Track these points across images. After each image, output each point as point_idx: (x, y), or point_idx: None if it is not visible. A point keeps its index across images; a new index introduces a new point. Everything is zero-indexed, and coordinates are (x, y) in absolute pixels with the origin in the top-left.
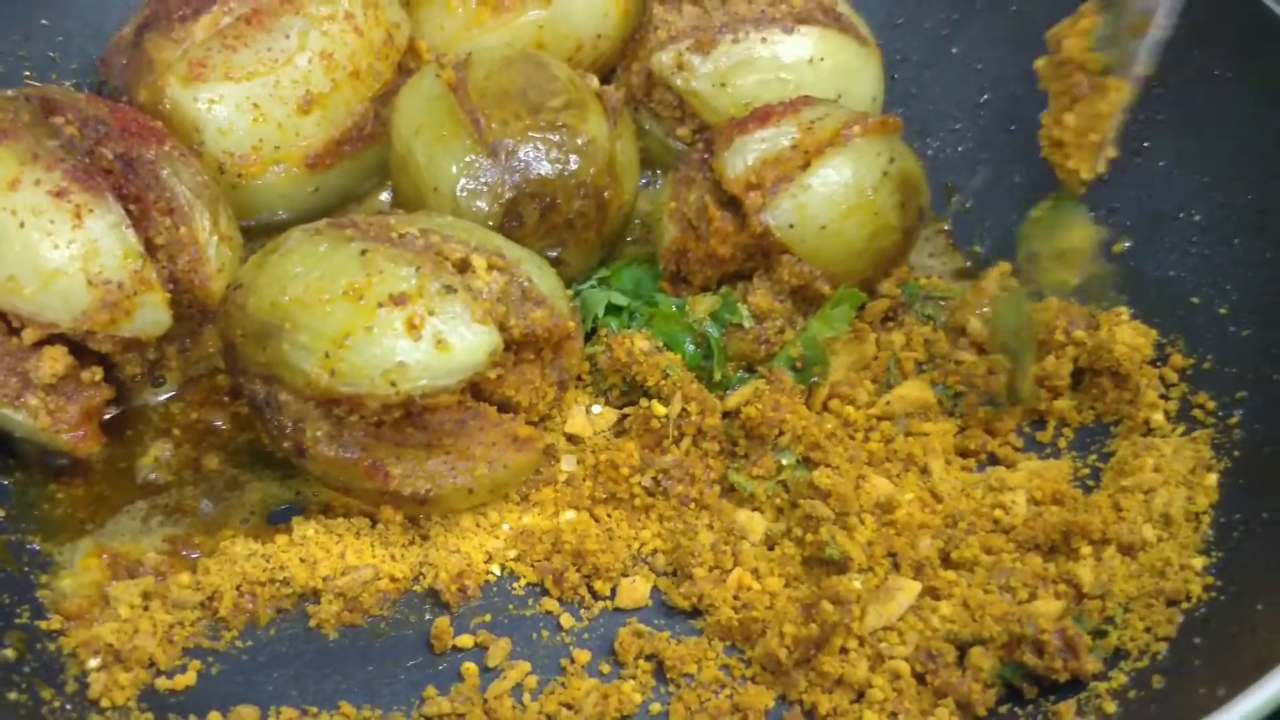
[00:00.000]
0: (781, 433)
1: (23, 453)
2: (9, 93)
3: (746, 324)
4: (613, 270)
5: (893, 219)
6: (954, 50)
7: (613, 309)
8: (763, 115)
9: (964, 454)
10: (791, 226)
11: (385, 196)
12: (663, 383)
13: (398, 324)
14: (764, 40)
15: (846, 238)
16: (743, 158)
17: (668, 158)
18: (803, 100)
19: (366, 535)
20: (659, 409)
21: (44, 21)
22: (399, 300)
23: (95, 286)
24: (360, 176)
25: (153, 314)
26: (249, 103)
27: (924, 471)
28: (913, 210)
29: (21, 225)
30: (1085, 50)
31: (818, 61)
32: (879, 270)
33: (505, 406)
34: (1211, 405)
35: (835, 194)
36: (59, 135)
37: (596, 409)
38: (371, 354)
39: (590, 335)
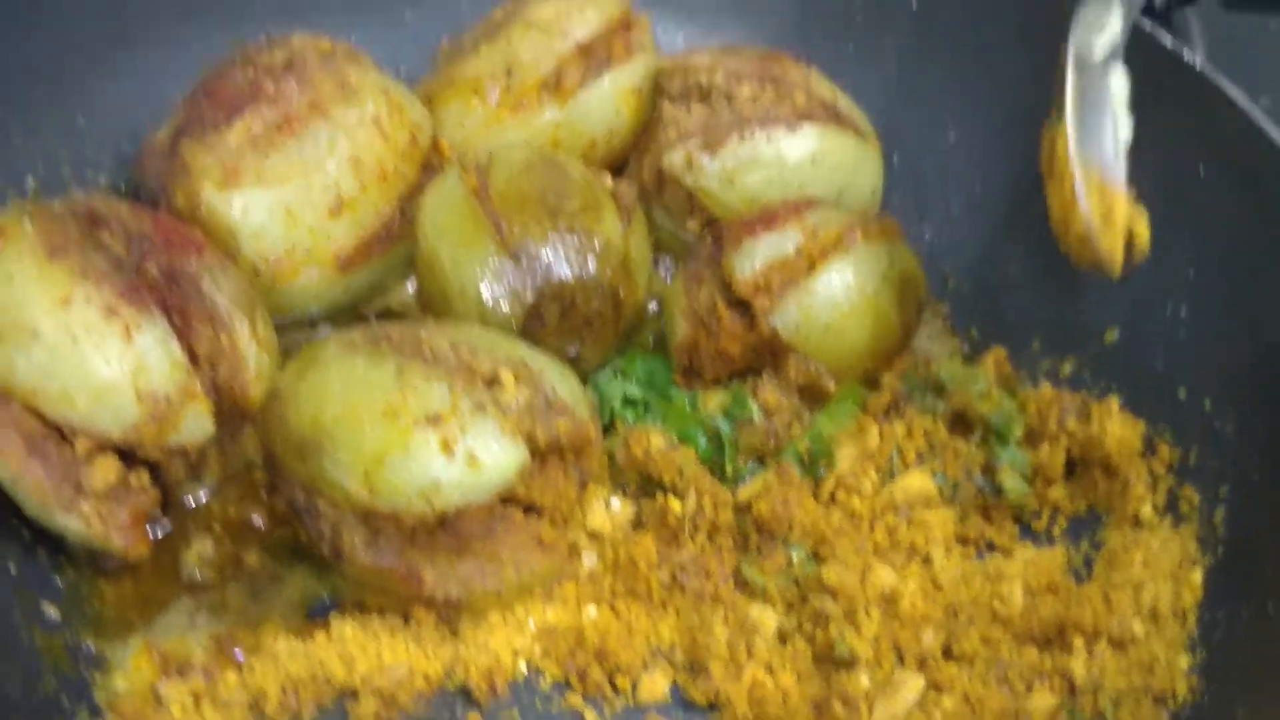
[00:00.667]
0: (791, 528)
1: (73, 551)
2: (56, 207)
3: (756, 418)
4: (627, 360)
5: (893, 317)
6: (950, 137)
7: (628, 401)
8: (768, 219)
9: (963, 541)
10: (797, 328)
11: (411, 288)
12: (678, 479)
13: (433, 444)
14: (768, 139)
15: (850, 338)
16: (750, 261)
17: (678, 246)
18: (805, 203)
19: (400, 633)
20: (675, 505)
21: (80, 120)
22: (434, 420)
23: (144, 400)
24: (387, 272)
25: (198, 423)
26: (282, 208)
27: (926, 560)
28: (911, 307)
29: (74, 342)
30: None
31: (819, 159)
32: (880, 363)
33: (530, 508)
34: (1196, 499)
35: (838, 297)
36: (106, 251)
37: (615, 503)
38: (408, 473)
39: (608, 427)
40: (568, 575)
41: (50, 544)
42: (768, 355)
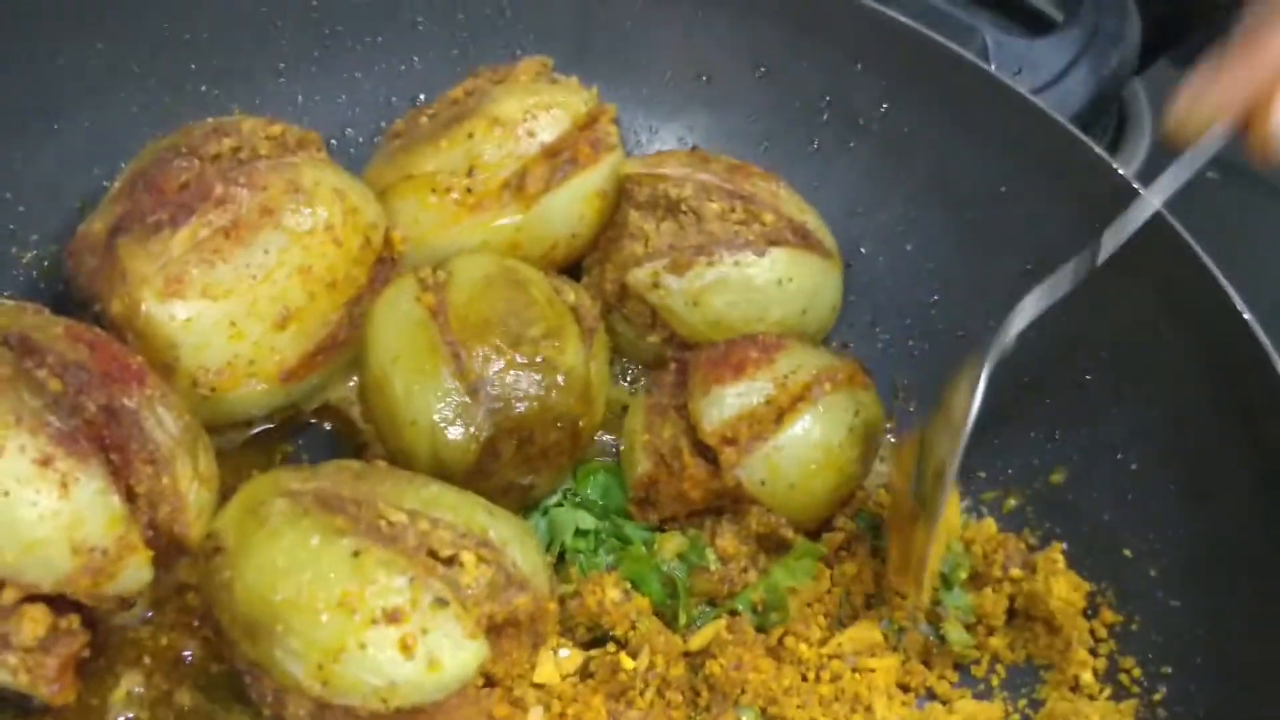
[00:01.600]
0: (744, 691)
1: None
2: None
3: (712, 566)
4: (580, 477)
5: (855, 470)
6: (908, 247)
7: (580, 533)
8: (739, 365)
9: (904, 689)
10: (763, 483)
11: (351, 384)
12: (631, 634)
13: (391, 644)
14: (736, 264)
15: (813, 492)
16: (719, 410)
17: (636, 353)
18: (775, 344)
19: None
20: (627, 663)
21: (7, 195)
22: (392, 617)
23: (79, 554)
24: (329, 379)
25: (136, 574)
26: (226, 321)
27: (868, 710)
28: (872, 454)
29: (5, 494)
30: (904, 484)
31: (785, 283)
32: (837, 510)
33: (485, 680)
34: (1137, 673)
35: (805, 454)
36: (40, 388)
37: (564, 653)
38: (364, 672)
39: (559, 558)
40: None
41: None
42: (728, 501)
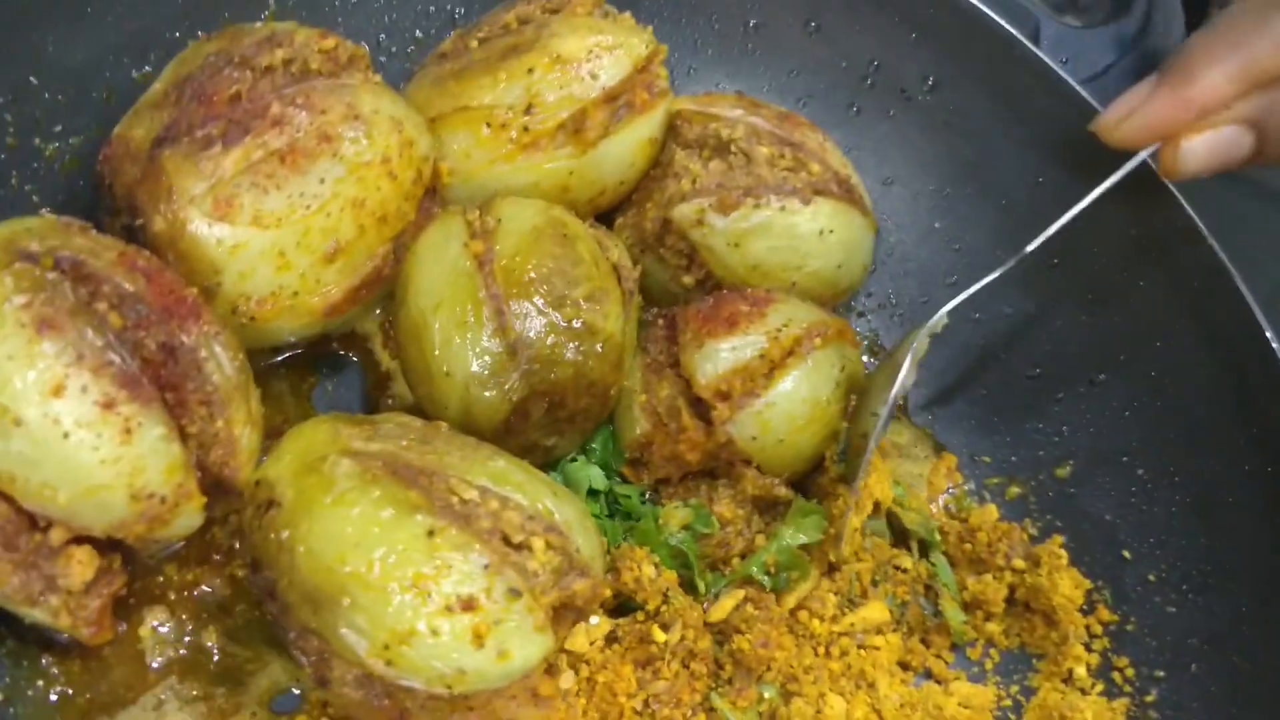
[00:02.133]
0: (769, 668)
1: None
2: (37, 272)
3: (713, 532)
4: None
5: (838, 423)
6: (936, 225)
7: (592, 492)
8: (730, 318)
9: (904, 667)
10: (754, 439)
11: (377, 314)
12: (664, 608)
13: (463, 632)
14: (783, 209)
15: (800, 446)
16: (713, 364)
17: (667, 298)
18: (765, 298)
19: None
20: (659, 635)
21: (32, 80)
22: (467, 605)
23: (138, 500)
24: (366, 313)
25: (189, 520)
26: (275, 250)
27: (871, 686)
28: (848, 406)
29: (65, 436)
30: (831, 457)
31: (826, 234)
32: (817, 464)
33: None
34: (1130, 673)
35: (795, 410)
36: (101, 324)
37: (594, 620)
38: (433, 657)
39: None
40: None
41: None
42: (720, 463)
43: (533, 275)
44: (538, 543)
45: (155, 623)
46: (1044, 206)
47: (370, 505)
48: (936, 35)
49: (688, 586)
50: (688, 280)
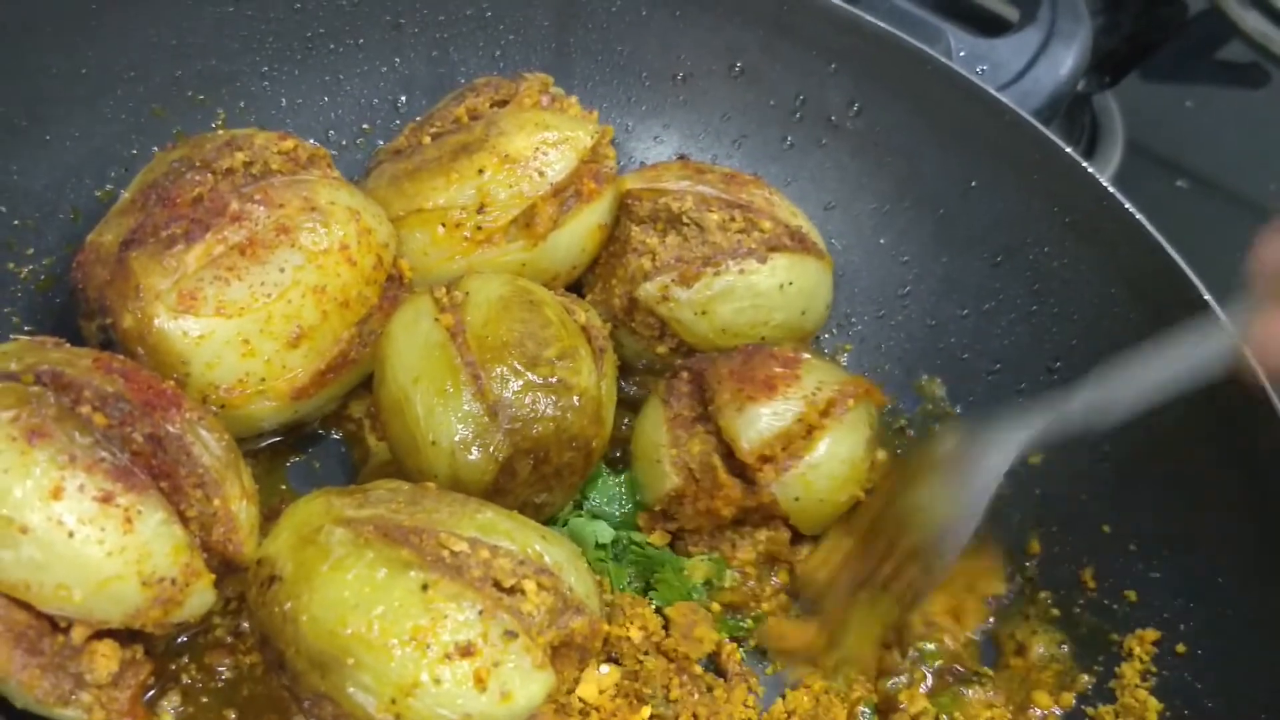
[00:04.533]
0: None
1: None
2: (19, 388)
3: (728, 583)
4: (586, 482)
5: (865, 475)
6: (881, 241)
7: (598, 545)
8: (768, 382)
9: None
10: (796, 499)
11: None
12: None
13: (465, 678)
14: (741, 271)
15: (837, 504)
16: (757, 430)
17: (646, 361)
18: (794, 359)
19: None
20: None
21: (1, 208)
22: (465, 651)
23: (149, 586)
24: (339, 397)
25: (201, 599)
26: (239, 338)
27: None
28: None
29: (70, 535)
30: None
31: (786, 287)
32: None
33: None
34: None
35: (835, 470)
36: (88, 427)
37: (604, 669)
38: (439, 705)
39: None
40: None
41: None
42: (754, 516)
43: (505, 339)
44: (530, 585)
45: (171, 706)
46: (978, 209)
47: (365, 568)
48: (854, 62)
49: None
50: (661, 349)
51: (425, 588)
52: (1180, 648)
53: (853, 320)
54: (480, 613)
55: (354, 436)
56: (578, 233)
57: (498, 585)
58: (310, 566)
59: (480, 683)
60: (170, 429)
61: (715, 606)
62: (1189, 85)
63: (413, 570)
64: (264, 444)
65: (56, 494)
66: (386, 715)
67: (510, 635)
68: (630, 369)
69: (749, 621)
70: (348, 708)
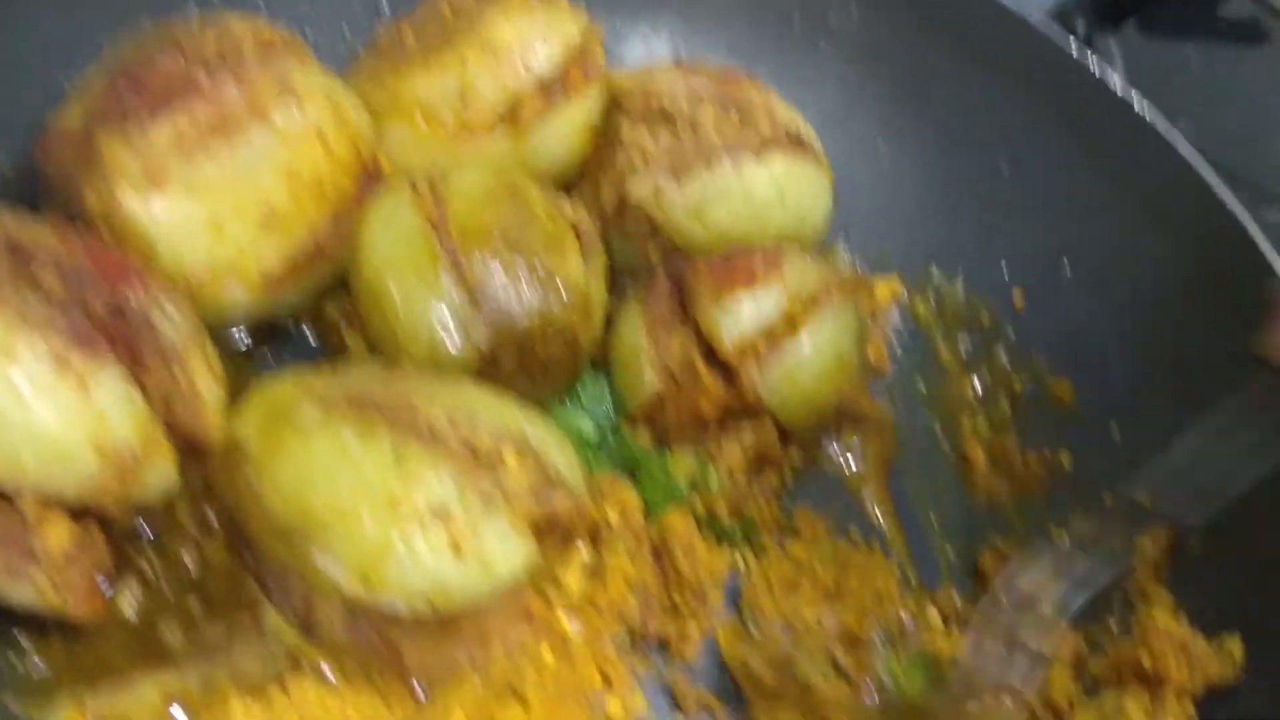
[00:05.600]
0: None
1: None
2: None
3: (715, 486)
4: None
5: (854, 371)
6: (880, 152)
7: (583, 441)
8: (747, 275)
9: None
10: (779, 394)
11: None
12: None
13: (441, 544)
14: (736, 169)
15: (824, 398)
16: (736, 322)
17: (632, 266)
18: (775, 252)
19: (366, 692)
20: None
21: None
22: (441, 515)
23: (105, 456)
24: (312, 292)
25: (162, 475)
26: (208, 219)
27: None
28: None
29: (20, 400)
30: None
31: (785, 191)
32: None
33: None
34: None
35: (820, 364)
36: (42, 290)
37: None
38: (414, 573)
39: None
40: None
41: None
42: (738, 414)
43: (488, 227)
44: (511, 459)
45: (134, 597)
46: (982, 120)
47: (336, 438)
48: None
49: None
50: (652, 253)
51: (399, 454)
52: None
53: (850, 231)
54: (457, 477)
55: (329, 340)
56: (564, 129)
57: (476, 455)
58: (279, 438)
59: (457, 549)
60: (132, 299)
61: (700, 508)
62: (1190, 40)
63: (386, 439)
64: (239, 349)
65: (7, 355)
66: (357, 587)
67: (488, 501)
68: (615, 280)
69: (737, 529)
70: (315, 582)
